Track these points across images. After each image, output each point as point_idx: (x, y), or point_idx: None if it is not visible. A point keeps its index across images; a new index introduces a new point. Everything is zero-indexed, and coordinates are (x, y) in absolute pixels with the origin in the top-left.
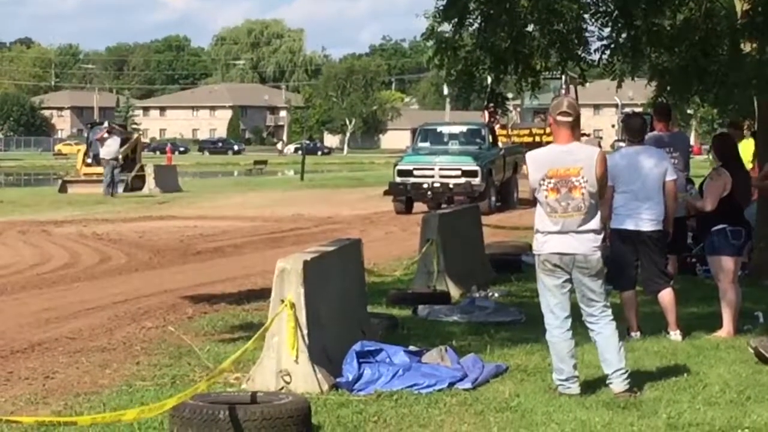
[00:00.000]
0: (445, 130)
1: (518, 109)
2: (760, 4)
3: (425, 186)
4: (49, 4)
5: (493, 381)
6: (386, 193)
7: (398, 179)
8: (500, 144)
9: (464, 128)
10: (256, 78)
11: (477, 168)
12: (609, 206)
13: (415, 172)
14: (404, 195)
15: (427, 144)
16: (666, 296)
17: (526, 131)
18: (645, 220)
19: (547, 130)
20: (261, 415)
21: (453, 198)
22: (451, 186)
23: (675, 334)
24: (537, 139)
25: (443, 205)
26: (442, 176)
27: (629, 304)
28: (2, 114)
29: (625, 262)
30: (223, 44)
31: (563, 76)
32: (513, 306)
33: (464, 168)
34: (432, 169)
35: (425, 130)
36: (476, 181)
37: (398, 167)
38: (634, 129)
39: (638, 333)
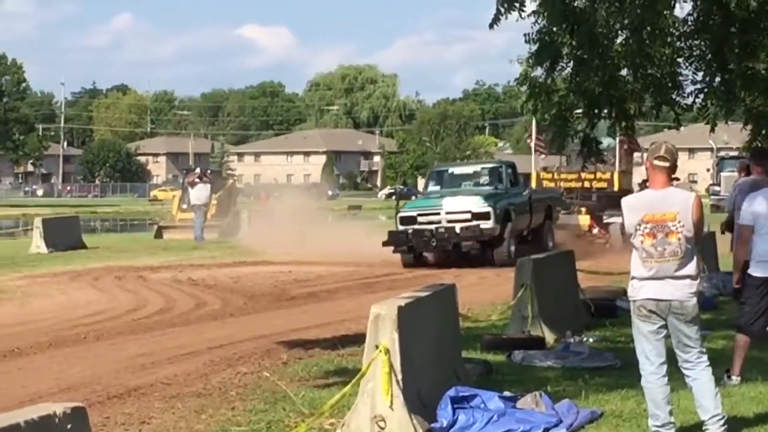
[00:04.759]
0: (458, 171)
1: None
2: None
3: (428, 233)
4: (144, 51)
5: (588, 427)
6: (385, 244)
7: (400, 227)
8: (545, 185)
9: (479, 167)
10: (350, 123)
11: (488, 209)
12: (746, 248)
13: (419, 219)
14: (405, 245)
15: (437, 188)
16: None
17: (575, 175)
18: None
19: (598, 175)
20: None
21: (460, 244)
22: (457, 230)
23: None
24: (586, 184)
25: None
26: (448, 220)
27: (742, 348)
28: (99, 160)
29: (762, 310)
30: (317, 90)
31: (615, 128)
32: (608, 351)
33: (474, 209)
34: (438, 213)
35: (436, 172)
36: (488, 224)
37: (400, 214)
38: None
39: (738, 378)
